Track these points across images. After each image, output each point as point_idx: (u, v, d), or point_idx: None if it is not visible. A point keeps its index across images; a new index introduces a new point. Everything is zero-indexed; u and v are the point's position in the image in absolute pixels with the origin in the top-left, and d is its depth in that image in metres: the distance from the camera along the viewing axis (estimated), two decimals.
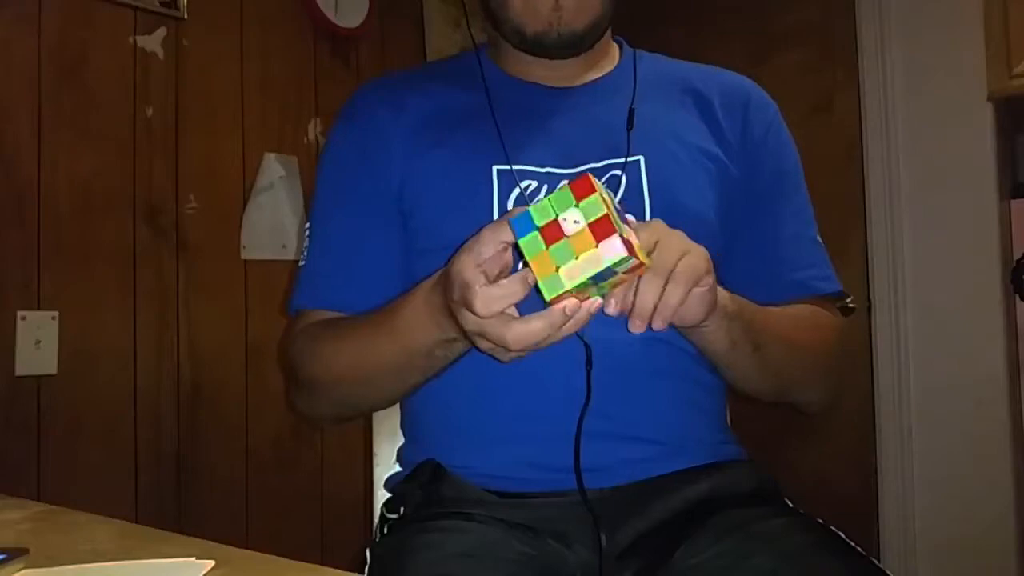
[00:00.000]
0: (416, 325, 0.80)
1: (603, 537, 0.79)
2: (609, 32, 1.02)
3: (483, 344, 0.70)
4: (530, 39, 0.94)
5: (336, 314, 0.95)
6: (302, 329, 0.96)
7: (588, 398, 0.78)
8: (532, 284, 0.66)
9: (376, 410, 1.09)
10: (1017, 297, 2.13)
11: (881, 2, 2.30)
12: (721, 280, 0.99)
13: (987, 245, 2.15)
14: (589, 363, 0.79)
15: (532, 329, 0.66)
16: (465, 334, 0.72)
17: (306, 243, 0.98)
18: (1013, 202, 2.17)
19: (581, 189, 0.65)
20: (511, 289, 0.66)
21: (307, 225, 1.00)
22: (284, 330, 1.04)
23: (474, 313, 0.67)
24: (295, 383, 0.97)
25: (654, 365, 0.89)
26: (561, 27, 0.92)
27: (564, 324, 0.66)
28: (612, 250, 0.63)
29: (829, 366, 0.98)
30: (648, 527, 0.84)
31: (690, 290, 0.70)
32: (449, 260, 0.72)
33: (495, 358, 0.72)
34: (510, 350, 0.68)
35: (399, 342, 0.83)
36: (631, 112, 0.93)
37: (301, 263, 0.99)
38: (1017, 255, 2.13)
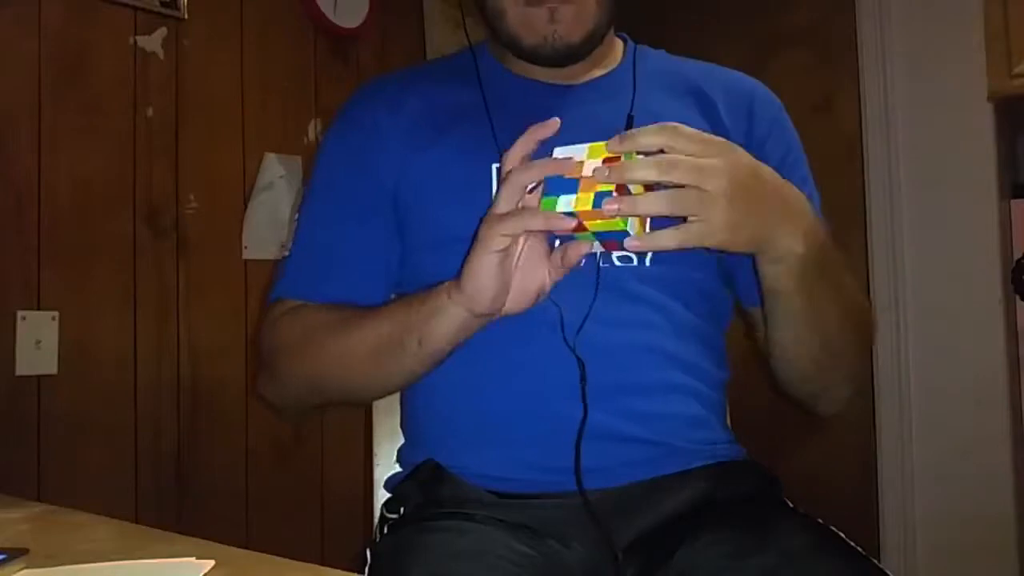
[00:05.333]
0: (418, 300, 0.81)
1: (613, 536, 0.79)
2: (612, 30, 1.01)
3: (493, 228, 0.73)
4: (526, 51, 0.94)
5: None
6: (284, 312, 0.96)
7: (585, 415, 0.79)
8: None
9: (343, 402, 1.05)
10: (1017, 297, 2.13)
11: (881, 2, 2.30)
12: (735, 281, 0.98)
13: (987, 245, 2.14)
14: (583, 379, 0.79)
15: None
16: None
17: (293, 235, 0.99)
18: (1013, 202, 2.17)
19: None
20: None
21: (295, 216, 1.00)
22: (261, 316, 1.03)
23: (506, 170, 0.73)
24: (267, 366, 0.97)
25: (654, 366, 0.89)
26: (556, 41, 0.91)
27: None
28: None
29: (865, 364, 0.95)
30: (648, 527, 0.84)
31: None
32: None
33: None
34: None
35: (392, 316, 0.83)
36: (630, 119, 0.92)
37: (286, 254, 0.99)
38: (1017, 255, 2.13)
